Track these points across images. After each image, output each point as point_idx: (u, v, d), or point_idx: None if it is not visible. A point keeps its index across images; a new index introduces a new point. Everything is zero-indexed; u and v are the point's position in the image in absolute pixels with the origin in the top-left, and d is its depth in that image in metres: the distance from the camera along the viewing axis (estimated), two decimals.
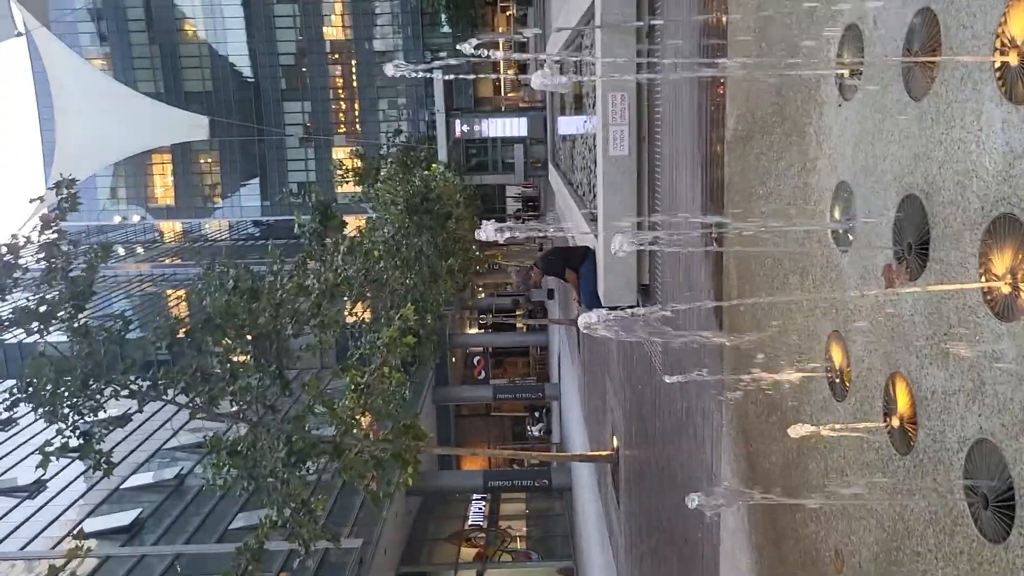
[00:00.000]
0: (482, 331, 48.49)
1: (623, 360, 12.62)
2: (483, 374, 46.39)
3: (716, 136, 6.55)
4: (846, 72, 4.02)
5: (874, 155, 3.72)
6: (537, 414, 44.50)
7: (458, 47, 3.11)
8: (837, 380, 4.11)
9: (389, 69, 3.63)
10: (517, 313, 47.70)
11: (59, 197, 10.56)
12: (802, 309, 4.61)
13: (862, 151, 3.85)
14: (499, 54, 3.10)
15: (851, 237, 3.95)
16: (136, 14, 53.93)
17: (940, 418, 3.16)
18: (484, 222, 3.76)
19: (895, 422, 3.49)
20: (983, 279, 2.84)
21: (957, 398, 3.03)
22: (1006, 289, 2.72)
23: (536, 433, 43.60)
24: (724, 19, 6.13)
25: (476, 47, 3.07)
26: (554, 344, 38.10)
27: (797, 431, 3.47)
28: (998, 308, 2.77)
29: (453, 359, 44.77)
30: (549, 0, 29.65)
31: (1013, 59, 2.67)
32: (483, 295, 48.19)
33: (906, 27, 3.40)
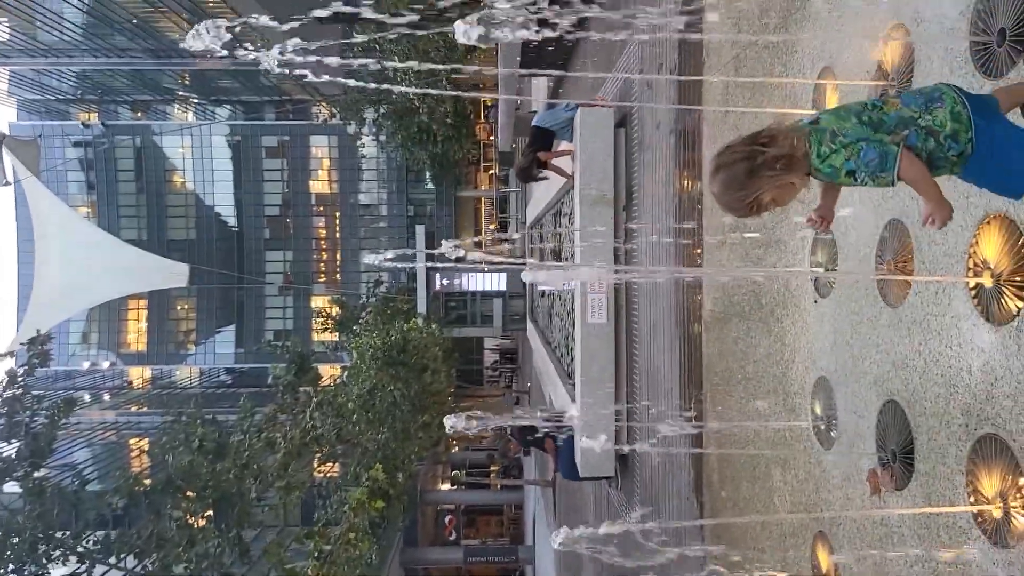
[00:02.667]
0: (454, 487, 47.11)
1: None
2: (454, 534, 44.64)
3: (694, 314, 6.60)
4: (821, 269, 4.10)
5: (852, 355, 3.72)
6: None
7: (438, 251, 3.13)
8: None
9: (369, 258, 3.69)
10: (492, 469, 46.61)
11: (30, 353, 10.39)
12: (785, 504, 4.48)
13: (840, 350, 3.86)
14: (478, 255, 3.13)
15: (833, 435, 3.89)
16: (126, 164, 55.45)
17: None
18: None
19: None
20: (972, 498, 2.76)
21: None
22: (997, 513, 2.64)
23: None
24: (698, 209, 6.33)
25: (455, 248, 3.11)
26: (529, 503, 36.97)
27: None
28: (990, 532, 2.68)
29: (423, 516, 43.19)
30: None
31: (987, 280, 2.72)
32: (456, 449, 47.18)
33: (877, 236, 3.49)
